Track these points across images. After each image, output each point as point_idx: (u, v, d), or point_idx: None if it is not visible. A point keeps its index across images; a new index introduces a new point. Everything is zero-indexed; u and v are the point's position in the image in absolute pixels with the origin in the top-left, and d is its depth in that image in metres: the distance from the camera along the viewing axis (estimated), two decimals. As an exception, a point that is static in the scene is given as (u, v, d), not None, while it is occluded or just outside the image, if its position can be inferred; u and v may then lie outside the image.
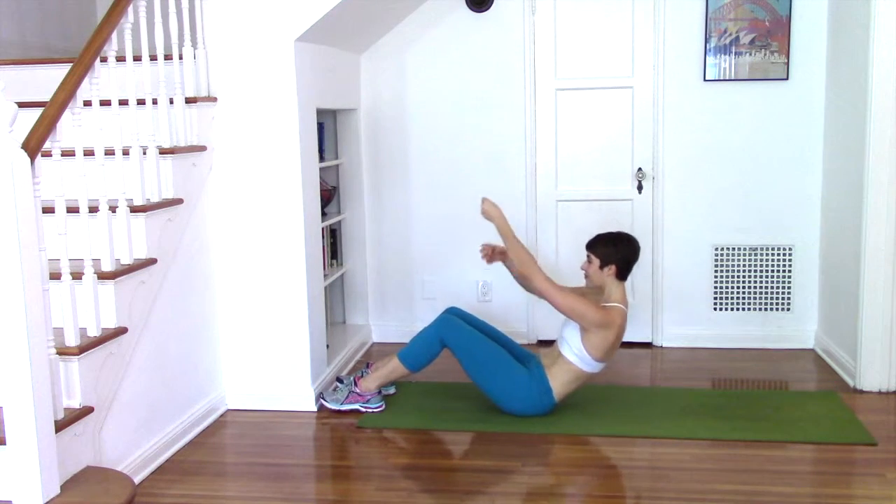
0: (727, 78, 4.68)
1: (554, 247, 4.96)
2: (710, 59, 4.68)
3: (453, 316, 3.92)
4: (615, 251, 3.75)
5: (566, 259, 4.94)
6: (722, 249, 4.85)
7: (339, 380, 4.05)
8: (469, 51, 4.86)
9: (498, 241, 3.95)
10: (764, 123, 4.72)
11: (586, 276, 3.84)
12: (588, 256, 3.80)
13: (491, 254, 4.02)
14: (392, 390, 4.12)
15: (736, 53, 4.65)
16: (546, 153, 4.92)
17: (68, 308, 2.85)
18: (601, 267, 3.76)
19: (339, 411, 3.92)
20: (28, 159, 2.56)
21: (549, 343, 4.82)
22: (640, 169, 4.85)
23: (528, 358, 3.94)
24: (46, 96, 2.95)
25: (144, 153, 3.39)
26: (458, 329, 3.81)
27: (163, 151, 3.48)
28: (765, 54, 4.64)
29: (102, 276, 3.05)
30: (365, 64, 4.96)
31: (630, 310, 4.90)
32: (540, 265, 3.83)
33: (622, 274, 3.77)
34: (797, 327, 4.85)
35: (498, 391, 3.78)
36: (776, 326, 4.86)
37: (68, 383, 2.85)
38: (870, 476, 3.20)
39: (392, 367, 3.90)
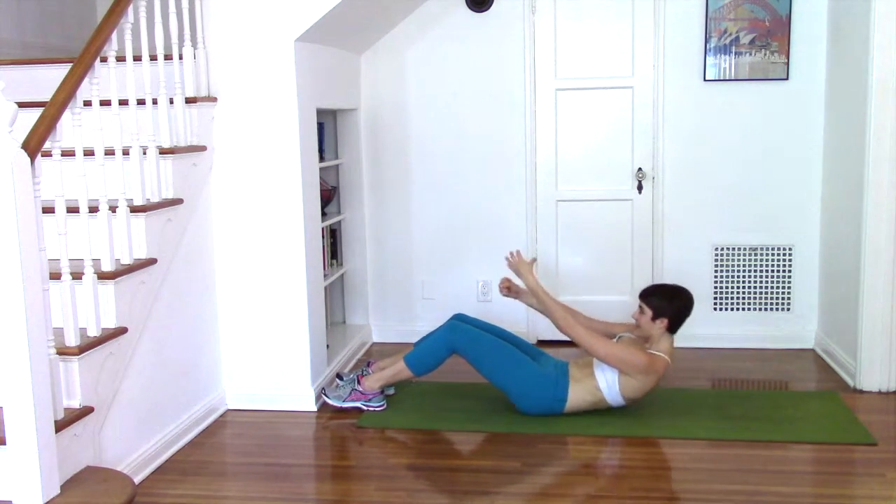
0: (727, 78, 4.68)
1: (554, 247, 4.96)
2: (710, 59, 4.68)
3: (460, 322, 3.93)
4: (669, 305, 3.71)
5: (566, 259, 4.94)
6: (722, 249, 4.85)
7: (340, 376, 4.05)
8: (469, 51, 4.86)
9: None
10: (764, 123, 4.72)
11: (637, 326, 3.81)
12: (641, 306, 3.76)
13: (509, 290, 4.08)
14: (392, 390, 4.12)
15: (736, 53, 4.65)
16: (546, 153, 4.92)
17: (68, 308, 2.84)
18: (653, 318, 3.71)
19: (340, 409, 3.92)
20: (28, 159, 2.56)
21: (549, 343, 4.84)
22: (640, 169, 4.85)
23: (541, 355, 3.97)
24: (46, 96, 2.94)
25: (144, 153, 3.39)
26: (467, 333, 3.82)
27: (163, 151, 3.48)
28: (765, 54, 4.64)
29: (102, 276, 3.05)
30: (365, 64, 4.96)
31: (630, 310, 4.93)
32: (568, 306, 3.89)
33: (673, 328, 3.75)
34: (797, 327, 4.85)
35: (514, 388, 3.78)
36: (776, 326, 4.86)
37: (68, 383, 2.85)
38: (870, 476, 3.20)
39: (397, 370, 3.90)
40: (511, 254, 4.00)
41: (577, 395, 3.74)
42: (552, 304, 3.84)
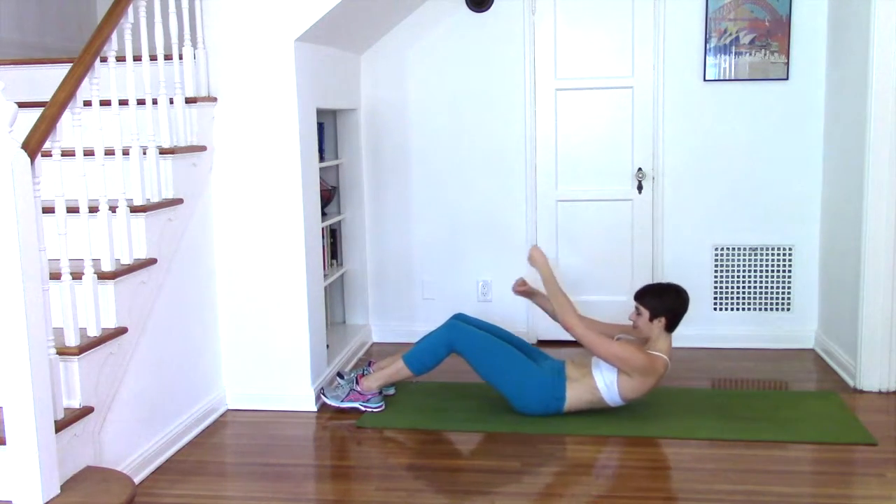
0: (727, 78, 4.68)
1: (554, 247, 4.95)
2: (710, 59, 4.68)
3: (460, 322, 3.92)
4: (662, 303, 3.70)
5: (565, 259, 4.94)
6: (722, 249, 4.85)
7: (340, 375, 4.05)
8: (469, 51, 4.86)
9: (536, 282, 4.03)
10: (764, 123, 4.72)
11: (634, 328, 3.78)
12: (637, 308, 3.74)
13: (523, 290, 4.07)
14: (391, 391, 4.12)
15: (736, 53, 4.65)
16: (546, 153, 4.92)
17: (68, 308, 2.84)
18: (651, 319, 3.70)
19: (339, 408, 3.92)
20: (28, 159, 2.56)
21: (549, 343, 4.84)
22: (640, 169, 4.85)
23: (540, 355, 3.97)
24: (46, 96, 2.95)
25: (144, 153, 3.39)
26: (467, 333, 3.81)
27: (163, 151, 3.48)
28: (765, 54, 4.64)
29: (102, 276, 3.05)
30: (365, 64, 4.96)
31: (629, 310, 4.92)
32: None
33: (671, 326, 3.73)
34: (797, 327, 4.85)
35: (513, 390, 3.77)
36: (776, 326, 4.86)
37: (68, 383, 2.85)
38: (870, 476, 3.20)
39: (396, 369, 3.90)
40: (532, 247, 3.94)
41: (575, 395, 3.73)
42: (561, 294, 3.79)
